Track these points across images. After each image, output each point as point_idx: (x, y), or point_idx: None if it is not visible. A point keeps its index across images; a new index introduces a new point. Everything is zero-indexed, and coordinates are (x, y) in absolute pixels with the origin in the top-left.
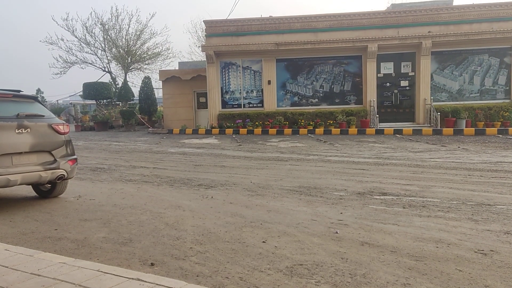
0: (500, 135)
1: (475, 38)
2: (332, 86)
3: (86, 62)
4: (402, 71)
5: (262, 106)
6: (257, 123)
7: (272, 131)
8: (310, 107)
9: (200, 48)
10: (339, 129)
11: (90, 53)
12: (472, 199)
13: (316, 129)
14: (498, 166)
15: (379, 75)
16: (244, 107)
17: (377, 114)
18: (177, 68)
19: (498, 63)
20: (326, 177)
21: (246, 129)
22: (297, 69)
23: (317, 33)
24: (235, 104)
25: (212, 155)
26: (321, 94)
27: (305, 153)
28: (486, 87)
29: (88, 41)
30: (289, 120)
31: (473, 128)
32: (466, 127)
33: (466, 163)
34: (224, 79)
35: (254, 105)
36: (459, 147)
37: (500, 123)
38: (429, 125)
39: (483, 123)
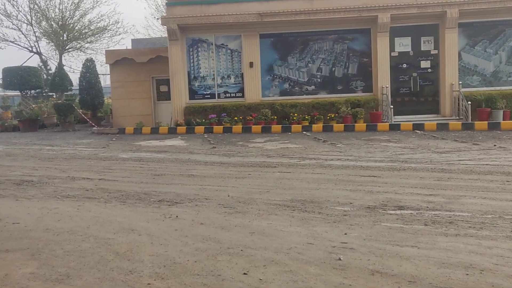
0: None
1: None
2: (333, 69)
3: (7, 40)
4: (422, 49)
5: (243, 96)
6: (236, 118)
7: (256, 128)
8: (305, 96)
9: (160, 21)
10: (342, 124)
11: (12, 28)
12: None
13: (313, 125)
14: None
15: (393, 54)
16: (219, 97)
17: (391, 105)
18: (129, 47)
19: None
20: (326, 187)
21: (221, 127)
22: (287, 47)
23: (313, 0)
24: (206, 94)
25: (178, 161)
26: (319, 80)
27: (299, 157)
28: None
29: (8, 12)
30: (278, 113)
31: None
32: (503, 120)
33: (504, 165)
34: (192, 61)
35: (232, 94)
36: (495, 145)
37: None
38: (457, 117)
39: None
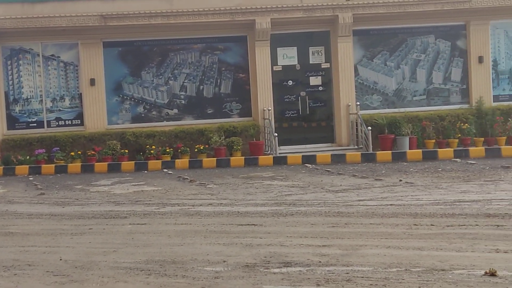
0: (458, 159)
1: (414, 10)
2: (201, 87)
3: None
4: (311, 62)
5: (82, 124)
6: (73, 153)
7: (101, 166)
8: (165, 123)
9: None
10: (214, 158)
11: None
12: (419, 262)
13: (177, 160)
14: (456, 208)
15: (275, 68)
16: (49, 126)
17: (275, 133)
18: None
19: (449, 48)
20: (192, 241)
21: (53, 165)
22: (140, 59)
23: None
24: (32, 122)
25: None
26: (184, 101)
27: (158, 203)
28: (435, 85)
29: None
30: (130, 146)
31: (420, 150)
32: (410, 148)
33: (411, 205)
34: (10, 77)
35: (67, 122)
36: (400, 180)
37: (457, 140)
38: (356, 147)
39: (434, 141)
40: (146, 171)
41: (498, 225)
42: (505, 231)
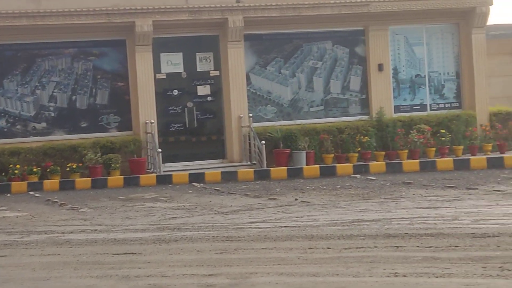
0: (358, 175)
1: (310, 14)
2: (74, 97)
3: None
4: (199, 69)
5: None
6: None
7: None
8: (32, 138)
9: None
10: (89, 178)
11: None
12: None
13: (45, 181)
14: (354, 228)
15: (159, 76)
16: None
17: (159, 148)
18: None
19: (347, 55)
20: (61, 274)
21: None
22: (2, 65)
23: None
24: None
25: None
26: (53, 114)
27: (22, 231)
28: (332, 94)
29: None
30: None
31: (318, 166)
32: (307, 164)
33: (307, 227)
34: None
35: None
36: (296, 199)
37: (357, 154)
38: (249, 163)
39: (333, 155)
40: (9, 194)
41: (397, 246)
42: (405, 252)
